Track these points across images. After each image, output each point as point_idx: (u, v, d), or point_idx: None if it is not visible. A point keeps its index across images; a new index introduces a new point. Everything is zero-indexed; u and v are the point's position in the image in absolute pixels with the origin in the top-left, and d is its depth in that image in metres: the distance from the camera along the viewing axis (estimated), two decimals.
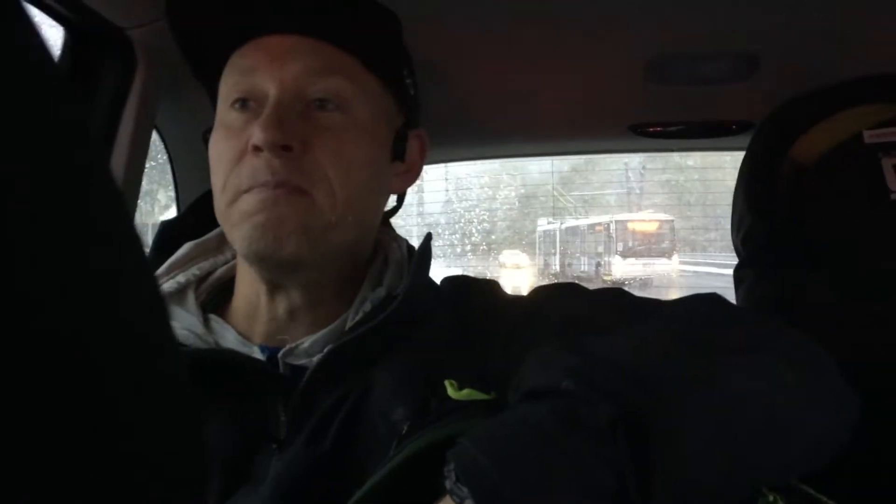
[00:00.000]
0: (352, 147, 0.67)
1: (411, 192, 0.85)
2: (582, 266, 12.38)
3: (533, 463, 0.45)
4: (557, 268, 12.83)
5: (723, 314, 0.64)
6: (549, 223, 13.15)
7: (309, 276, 0.69)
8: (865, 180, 0.81)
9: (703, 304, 0.65)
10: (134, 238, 0.23)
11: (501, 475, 0.44)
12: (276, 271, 0.68)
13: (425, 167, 0.83)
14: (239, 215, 0.65)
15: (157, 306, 0.24)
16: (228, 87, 0.69)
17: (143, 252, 0.24)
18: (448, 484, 0.46)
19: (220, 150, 0.68)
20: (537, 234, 13.24)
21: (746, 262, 0.94)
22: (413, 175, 0.79)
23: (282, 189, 0.64)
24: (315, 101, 0.67)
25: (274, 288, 0.69)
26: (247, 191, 0.65)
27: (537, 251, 13.20)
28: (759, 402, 0.52)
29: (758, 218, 0.92)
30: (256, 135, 0.63)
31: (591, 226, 12.33)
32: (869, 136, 0.82)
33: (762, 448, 0.52)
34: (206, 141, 0.73)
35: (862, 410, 0.57)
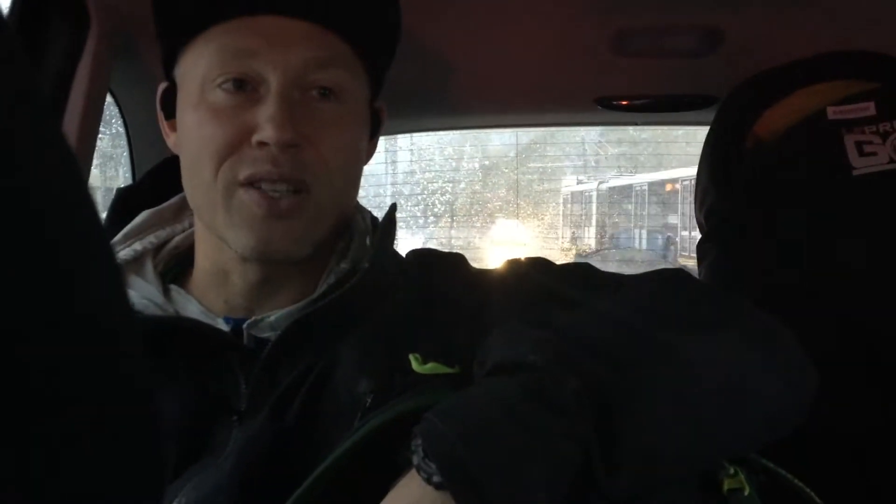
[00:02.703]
0: (349, 137, 0.68)
1: (383, 164, 0.85)
2: (636, 242, 8.73)
3: (500, 438, 0.45)
4: (592, 244, 9.05)
5: (687, 290, 0.65)
6: (578, 183, 9.45)
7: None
8: (828, 156, 0.81)
9: (668, 280, 0.67)
10: (91, 207, 0.22)
11: (469, 450, 0.44)
12: (269, 264, 0.67)
13: (397, 137, 0.82)
14: (238, 216, 0.63)
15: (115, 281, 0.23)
16: (212, 66, 0.63)
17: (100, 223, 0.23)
18: (415, 459, 0.46)
19: (206, 133, 0.63)
20: (562, 199, 9.68)
21: (709, 236, 0.95)
22: (374, 146, 0.78)
23: (284, 188, 0.62)
24: (315, 89, 0.65)
25: (247, 259, 0.67)
26: (244, 184, 0.63)
27: (561, 221, 9.58)
28: (720, 376, 0.54)
29: (721, 192, 0.92)
30: (267, 132, 0.61)
31: (656, 184, 8.51)
32: (832, 113, 0.82)
33: (723, 421, 0.53)
34: (164, 104, 0.70)
35: (820, 386, 0.58)
